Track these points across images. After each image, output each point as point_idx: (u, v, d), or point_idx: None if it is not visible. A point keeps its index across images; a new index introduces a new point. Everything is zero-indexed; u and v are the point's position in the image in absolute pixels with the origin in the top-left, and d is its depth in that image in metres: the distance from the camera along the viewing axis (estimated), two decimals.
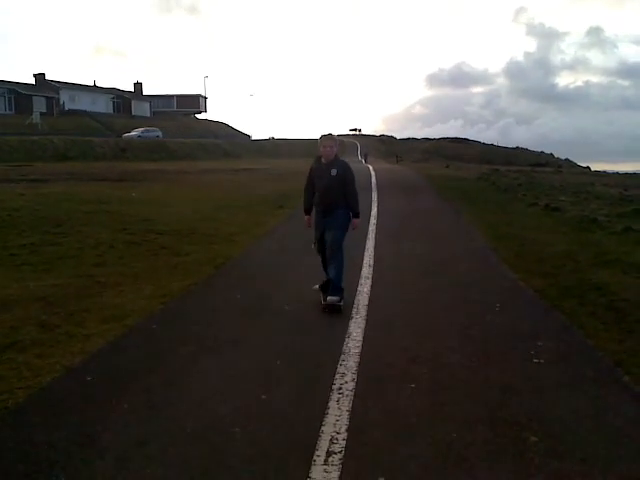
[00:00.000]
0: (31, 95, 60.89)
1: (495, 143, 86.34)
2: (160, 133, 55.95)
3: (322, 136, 5.65)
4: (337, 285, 5.53)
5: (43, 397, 3.59)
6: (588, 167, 67.11)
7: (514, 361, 4.26)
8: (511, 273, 7.25)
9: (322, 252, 5.79)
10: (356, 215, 5.75)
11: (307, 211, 5.94)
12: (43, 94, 62.54)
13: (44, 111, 58.37)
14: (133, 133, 52.74)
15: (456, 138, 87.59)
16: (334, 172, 5.56)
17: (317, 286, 5.84)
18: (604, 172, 54.93)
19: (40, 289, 6.07)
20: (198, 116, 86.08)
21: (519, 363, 4.22)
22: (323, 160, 5.66)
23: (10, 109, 59.47)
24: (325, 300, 5.53)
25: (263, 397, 3.59)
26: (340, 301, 5.50)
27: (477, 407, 3.46)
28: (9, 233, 9.44)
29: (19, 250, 8.17)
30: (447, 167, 43.24)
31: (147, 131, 54.41)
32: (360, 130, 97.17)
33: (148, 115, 74.64)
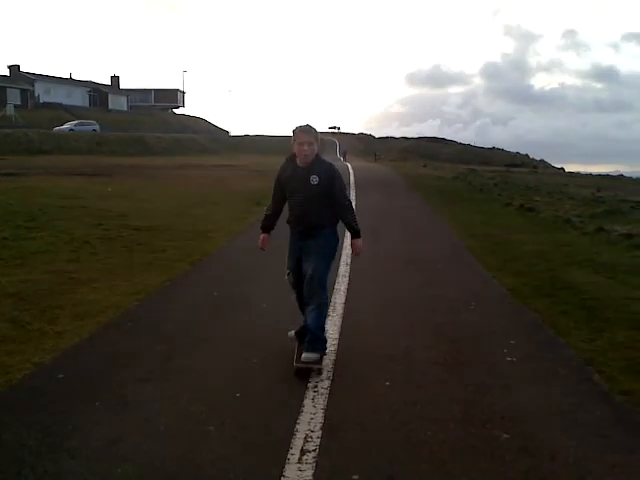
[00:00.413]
0: (5, 87, 59.62)
1: (472, 143, 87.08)
2: (97, 127, 50.87)
3: (298, 129, 4.07)
4: (316, 336, 4.01)
5: (13, 395, 3.53)
6: (562, 168, 68.04)
7: (487, 359, 4.31)
8: (485, 272, 7.34)
9: (298, 287, 4.24)
10: (356, 234, 4.19)
11: (265, 227, 4.39)
12: (17, 86, 61.32)
13: (18, 103, 57.28)
14: (65, 126, 48.02)
15: (434, 137, 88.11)
16: (315, 180, 4.00)
17: (293, 332, 4.36)
18: (578, 173, 55.81)
19: (12, 284, 5.97)
20: (176, 111, 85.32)
21: (492, 361, 4.26)
22: (299, 162, 4.08)
23: None
24: (298, 359, 3.96)
25: (237, 395, 3.58)
26: (320, 360, 3.98)
27: (450, 405, 3.49)
28: None
29: None
30: (425, 166, 43.50)
31: (81, 124, 49.58)
32: (339, 128, 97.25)
33: (125, 109, 73.69)
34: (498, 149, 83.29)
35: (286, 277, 4.32)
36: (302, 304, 4.25)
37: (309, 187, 4.03)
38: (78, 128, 48.02)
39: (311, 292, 4.05)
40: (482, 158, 66.84)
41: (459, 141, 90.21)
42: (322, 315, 4.11)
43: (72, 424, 3.15)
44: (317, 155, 4.11)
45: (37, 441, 2.98)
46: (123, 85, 78.45)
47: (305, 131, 4.05)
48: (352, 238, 4.24)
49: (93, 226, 9.94)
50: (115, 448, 2.93)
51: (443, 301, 5.92)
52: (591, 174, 55.11)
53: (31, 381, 3.72)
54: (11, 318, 4.90)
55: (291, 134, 4.10)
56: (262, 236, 4.41)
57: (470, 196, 19.36)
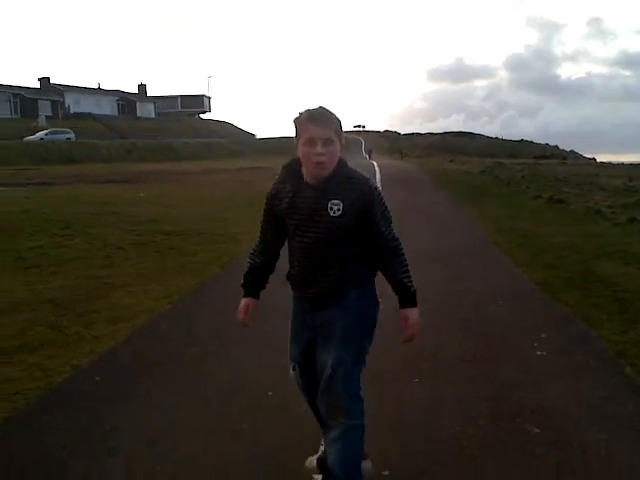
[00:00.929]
0: (36, 99, 61.27)
1: (499, 136, 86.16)
2: (72, 135, 48.07)
3: (303, 116, 2.28)
4: None
5: (54, 397, 3.66)
6: (594, 158, 66.82)
7: (517, 354, 4.30)
8: (513, 266, 7.29)
9: (311, 391, 2.55)
10: (409, 299, 2.60)
11: (249, 286, 2.68)
12: (48, 97, 62.90)
13: (49, 114, 58.73)
14: (36, 135, 45.68)
15: (460, 132, 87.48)
16: (337, 207, 2.28)
17: (314, 459, 2.68)
18: (609, 163, 54.68)
19: (49, 291, 6.16)
20: (202, 116, 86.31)
21: (522, 355, 4.26)
22: (308, 176, 2.33)
23: (16, 113, 59.93)
24: None
25: (270, 394, 3.65)
26: None
27: (479, 400, 3.50)
28: (17, 236, 9.53)
29: (27, 253, 8.25)
30: (451, 161, 43.19)
31: (54, 132, 47.11)
32: (364, 126, 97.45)
33: (153, 116, 74.94)
34: (526, 141, 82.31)
35: (291, 372, 2.68)
36: (319, 416, 2.56)
37: (325, 221, 2.28)
38: (50, 137, 45.69)
39: (332, 405, 2.36)
40: (510, 151, 66.09)
41: (486, 134, 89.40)
42: (355, 447, 2.37)
43: (110, 425, 3.26)
44: (340, 162, 2.31)
45: (77, 442, 3.09)
46: (150, 92, 79.77)
47: (317, 119, 2.24)
48: (401, 306, 2.56)
49: (126, 232, 10.15)
50: (152, 448, 3.02)
51: (470, 296, 5.90)
52: (623, 164, 53.90)
53: (70, 384, 3.86)
54: (50, 323, 5.06)
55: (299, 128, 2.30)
56: (243, 303, 2.66)
57: (497, 190, 19.18)
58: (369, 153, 54.12)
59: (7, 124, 50.42)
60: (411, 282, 2.53)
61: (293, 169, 2.39)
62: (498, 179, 23.91)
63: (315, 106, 2.32)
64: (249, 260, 2.63)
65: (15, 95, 60.90)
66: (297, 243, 2.40)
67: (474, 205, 14.49)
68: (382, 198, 2.38)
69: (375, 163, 36.72)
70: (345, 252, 2.37)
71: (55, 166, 33.19)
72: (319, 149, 2.22)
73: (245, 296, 2.68)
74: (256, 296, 2.70)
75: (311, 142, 2.23)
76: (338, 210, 2.28)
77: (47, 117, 55.79)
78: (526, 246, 8.61)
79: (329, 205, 2.28)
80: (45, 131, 47.25)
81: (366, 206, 2.30)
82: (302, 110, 2.31)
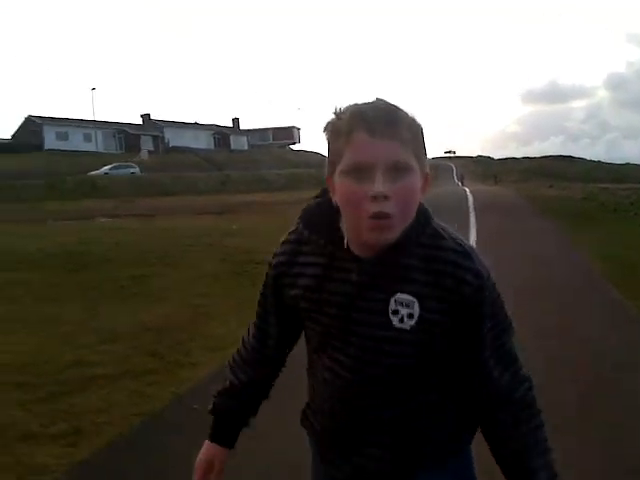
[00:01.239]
0: (139, 134, 65.61)
1: (601, 159, 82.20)
2: (137, 169, 47.97)
3: (352, 116, 1.04)
4: None
5: (156, 423, 3.78)
6: None
7: (632, 399, 3.95)
8: (622, 298, 6.80)
9: None
10: None
11: (221, 417, 1.46)
12: (149, 133, 67.10)
13: (151, 149, 62.53)
14: (102, 170, 45.66)
15: (560, 156, 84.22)
16: (408, 311, 1.09)
17: None
18: None
19: (149, 319, 6.41)
20: (293, 147, 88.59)
21: (637, 398, 3.92)
22: (350, 240, 1.11)
23: (120, 148, 64.43)
24: None
25: None
26: None
27: (594, 450, 3.25)
28: (119, 266, 10.07)
29: (128, 282, 8.67)
30: (551, 187, 41.49)
31: (119, 167, 47.31)
32: (454, 152, 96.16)
33: (246, 148, 77.84)
34: (633, 164, 77.84)
35: None
36: None
37: (384, 336, 1.13)
38: (114, 172, 45.61)
39: None
40: (614, 175, 62.62)
41: (588, 158, 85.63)
42: None
43: None
44: (421, 212, 1.11)
45: (175, 468, 3.14)
46: (243, 126, 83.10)
47: (376, 124, 1.02)
48: None
49: (220, 262, 10.46)
50: (243, 477, 3.01)
51: (575, 331, 5.55)
52: None
53: (170, 411, 3.97)
54: (150, 351, 5.25)
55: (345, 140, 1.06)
56: (204, 454, 1.50)
57: (603, 217, 18.14)
58: (461, 179, 53.00)
59: (113, 158, 54.10)
60: (552, 468, 1.20)
61: (320, 221, 1.22)
62: (603, 206, 22.62)
63: (365, 100, 1.10)
64: (229, 374, 1.47)
65: (120, 131, 65.61)
66: (323, 370, 1.30)
67: (577, 233, 13.76)
68: (498, 297, 1.20)
69: (468, 189, 35.97)
70: (416, 399, 1.21)
71: (156, 198, 35.05)
72: (380, 186, 1.03)
73: (212, 439, 1.46)
74: (229, 444, 1.48)
75: (362, 171, 1.05)
76: (410, 317, 1.11)
77: (149, 151, 59.36)
78: (636, 277, 8.03)
79: (392, 304, 1.12)
80: (109, 166, 47.28)
81: (466, 314, 1.14)
82: (343, 106, 1.10)
